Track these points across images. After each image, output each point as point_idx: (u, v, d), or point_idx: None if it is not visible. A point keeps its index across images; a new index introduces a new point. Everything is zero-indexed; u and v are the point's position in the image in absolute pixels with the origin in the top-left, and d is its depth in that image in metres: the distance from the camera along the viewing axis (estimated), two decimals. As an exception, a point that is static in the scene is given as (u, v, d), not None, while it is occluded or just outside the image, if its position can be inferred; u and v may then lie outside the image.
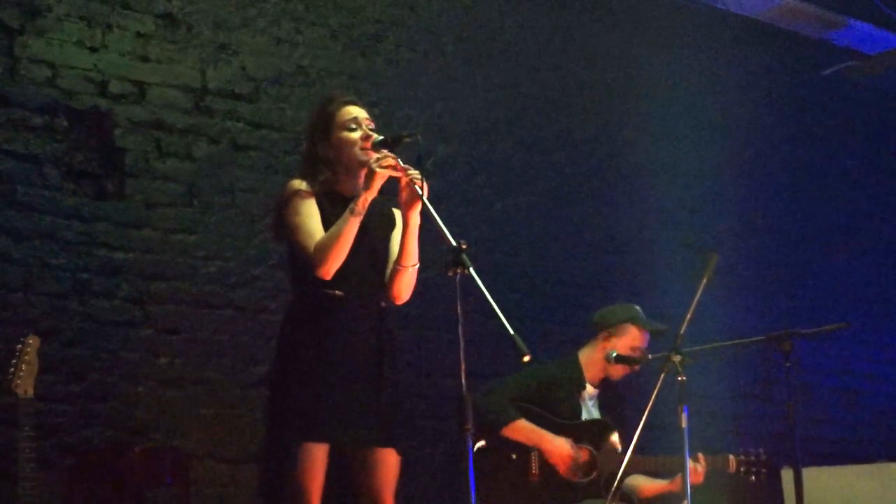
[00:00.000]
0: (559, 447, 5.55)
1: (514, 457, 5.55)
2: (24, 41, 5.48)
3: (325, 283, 4.26)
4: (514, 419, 5.53)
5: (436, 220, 3.98)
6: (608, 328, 5.79)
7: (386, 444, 4.36)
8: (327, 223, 4.29)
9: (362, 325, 4.34)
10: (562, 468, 5.53)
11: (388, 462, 4.39)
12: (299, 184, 4.36)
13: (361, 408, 4.28)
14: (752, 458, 5.75)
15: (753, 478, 5.76)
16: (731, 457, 5.76)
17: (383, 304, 4.42)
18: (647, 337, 5.81)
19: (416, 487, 6.38)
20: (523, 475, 5.56)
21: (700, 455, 5.64)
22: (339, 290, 4.28)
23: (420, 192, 4.09)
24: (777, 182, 8.67)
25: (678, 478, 5.57)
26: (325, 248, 4.21)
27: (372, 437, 4.32)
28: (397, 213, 4.47)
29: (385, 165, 4.15)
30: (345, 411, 4.25)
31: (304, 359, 4.26)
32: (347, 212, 4.20)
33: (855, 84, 9.19)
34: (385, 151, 4.19)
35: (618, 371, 5.76)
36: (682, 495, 4.93)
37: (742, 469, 5.75)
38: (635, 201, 7.76)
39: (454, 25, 7.13)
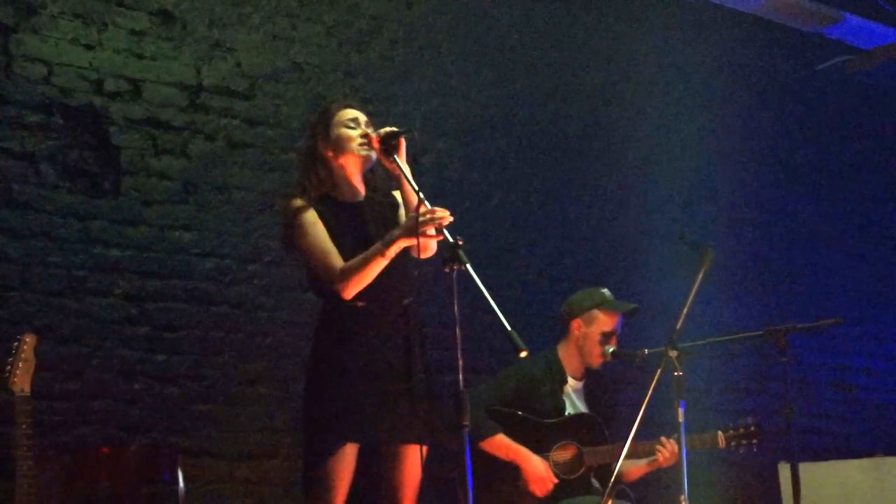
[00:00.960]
0: (534, 467, 5.51)
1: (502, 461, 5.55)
2: (19, 39, 5.48)
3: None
4: (491, 434, 5.51)
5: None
6: (577, 318, 5.77)
7: (415, 441, 4.41)
8: (331, 233, 4.38)
9: (388, 329, 4.42)
10: (535, 489, 5.51)
11: (414, 458, 4.44)
12: (298, 202, 4.44)
13: (391, 407, 4.36)
14: (741, 429, 5.69)
15: (744, 450, 5.70)
16: (720, 432, 5.70)
17: (406, 301, 4.47)
18: (619, 319, 5.78)
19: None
20: (512, 478, 5.55)
21: (662, 438, 5.59)
22: (361, 300, 4.35)
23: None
24: (773, 177, 8.67)
25: (659, 455, 5.57)
26: (347, 277, 4.30)
27: (402, 434, 4.40)
28: (397, 195, 4.54)
29: (429, 225, 4.14)
30: (376, 411, 4.34)
31: (334, 366, 4.36)
32: (377, 251, 4.27)
33: (851, 78, 9.19)
34: (433, 210, 4.17)
35: (595, 359, 5.73)
36: (677, 482, 4.92)
37: (732, 443, 5.69)
38: (631, 196, 7.76)
39: (449, 21, 7.13)
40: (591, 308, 5.77)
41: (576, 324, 5.77)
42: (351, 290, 4.31)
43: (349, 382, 4.32)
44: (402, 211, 4.55)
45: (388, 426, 4.35)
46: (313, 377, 4.44)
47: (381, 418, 4.34)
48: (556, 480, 5.52)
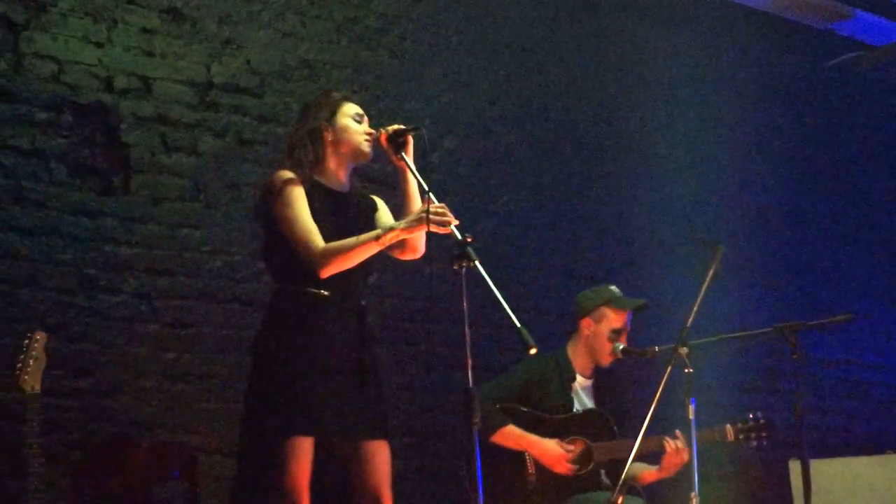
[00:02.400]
0: (548, 449, 5.51)
1: (510, 457, 5.55)
2: (30, 36, 5.48)
3: (310, 281, 4.29)
4: (501, 426, 5.51)
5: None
6: (586, 316, 5.77)
7: (375, 437, 4.38)
8: (315, 215, 4.32)
9: (345, 323, 4.37)
10: (557, 469, 5.51)
11: (380, 454, 4.41)
12: (288, 174, 4.38)
13: (346, 402, 4.30)
14: (750, 423, 5.68)
15: (755, 443, 5.70)
16: (728, 426, 5.69)
17: (364, 302, 4.45)
18: (628, 316, 5.77)
19: (420, 480, 6.39)
20: (521, 474, 5.55)
21: (677, 432, 5.58)
22: (325, 289, 4.30)
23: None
24: (783, 173, 8.66)
25: (665, 461, 5.56)
26: (333, 257, 4.25)
27: (359, 430, 4.34)
28: (377, 200, 4.54)
29: (438, 222, 4.12)
30: (329, 405, 4.26)
31: (287, 354, 4.27)
32: (373, 237, 4.23)
33: (861, 75, 9.18)
34: (444, 207, 4.15)
35: (605, 357, 5.73)
36: (688, 478, 4.91)
37: (741, 436, 5.68)
38: (641, 192, 7.75)
39: (459, 18, 7.12)
40: (599, 305, 5.76)
41: (585, 322, 5.76)
42: (330, 270, 4.25)
43: (305, 372, 4.24)
44: (380, 213, 4.57)
45: (342, 422, 4.28)
46: (265, 365, 4.33)
47: (334, 413, 4.26)
48: (572, 452, 5.51)
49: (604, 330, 5.72)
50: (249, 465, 4.34)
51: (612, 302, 5.75)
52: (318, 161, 4.46)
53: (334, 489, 4.48)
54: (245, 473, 4.38)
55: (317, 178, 4.45)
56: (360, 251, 4.25)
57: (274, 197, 4.34)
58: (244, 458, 4.38)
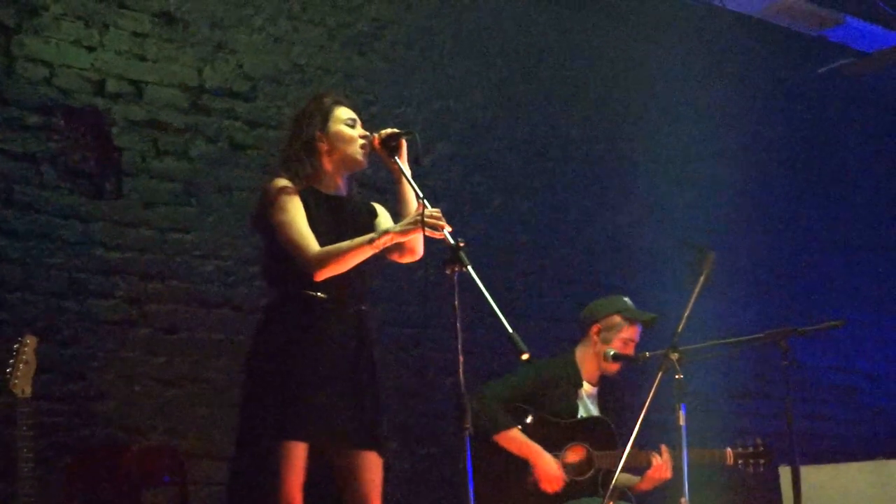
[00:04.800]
0: (547, 465, 5.52)
1: (511, 457, 5.56)
2: (21, 40, 5.47)
3: (307, 285, 4.28)
4: (506, 428, 5.52)
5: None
6: (597, 323, 5.78)
7: (368, 447, 4.37)
8: (311, 222, 4.31)
9: (343, 329, 4.35)
10: (545, 486, 5.52)
11: (372, 465, 4.39)
12: (284, 182, 4.37)
13: (341, 410, 4.28)
14: (750, 449, 5.75)
15: (752, 469, 5.76)
16: (729, 450, 5.77)
17: (364, 307, 4.44)
18: (639, 328, 5.79)
19: (412, 487, 6.38)
20: (520, 477, 5.56)
21: (663, 447, 5.62)
22: (322, 292, 4.29)
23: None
24: (774, 179, 8.67)
25: (647, 475, 5.59)
26: (327, 260, 4.24)
27: (354, 440, 4.33)
28: (377, 207, 4.54)
29: (432, 226, 4.12)
30: (325, 412, 4.24)
31: (284, 359, 4.26)
32: (367, 240, 4.23)
33: (852, 81, 9.19)
34: (436, 211, 4.15)
35: (613, 367, 5.75)
36: (678, 484, 4.93)
37: (740, 461, 5.75)
38: (632, 198, 7.76)
39: (451, 23, 7.13)
40: (612, 314, 5.78)
41: (595, 328, 5.77)
42: (325, 273, 4.24)
43: (301, 377, 4.22)
44: (380, 219, 4.56)
45: (337, 430, 4.27)
46: (260, 370, 4.32)
47: (330, 421, 4.24)
48: (566, 479, 5.53)
49: (614, 339, 5.73)
50: (243, 469, 4.32)
51: (624, 312, 5.78)
52: (316, 169, 4.46)
53: (327, 497, 4.47)
54: (238, 478, 4.36)
55: (314, 185, 4.45)
56: (354, 254, 4.24)
57: (270, 204, 4.35)
58: (238, 462, 4.36)
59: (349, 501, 4.39)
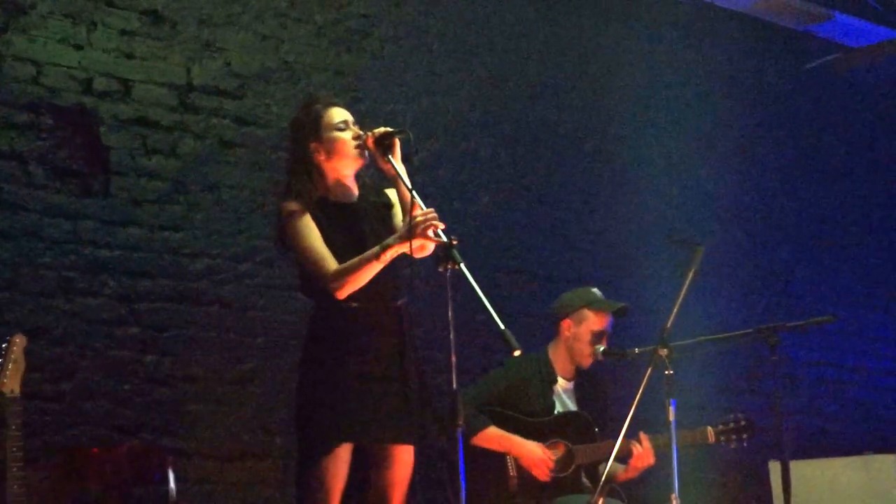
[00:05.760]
0: (531, 451, 5.52)
1: (490, 460, 5.55)
2: (8, 38, 5.46)
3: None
4: (482, 428, 5.52)
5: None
6: (566, 317, 5.77)
7: (407, 441, 4.45)
8: (325, 234, 4.37)
9: (382, 329, 4.41)
10: (536, 472, 5.52)
11: (405, 458, 4.48)
12: (292, 205, 4.42)
13: (386, 406, 4.36)
14: (731, 425, 5.73)
15: (735, 445, 5.75)
16: (709, 428, 5.74)
17: (400, 302, 4.47)
18: (609, 319, 5.78)
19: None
20: (501, 477, 5.55)
21: (641, 434, 5.61)
22: (355, 301, 4.35)
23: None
24: (762, 175, 8.68)
25: (631, 463, 5.60)
26: (343, 278, 4.31)
27: (396, 434, 4.41)
28: (390, 195, 4.54)
29: (427, 228, 4.13)
30: (369, 412, 4.33)
31: (327, 367, 4.36)
32: (374, 255, 4.27)
33: (840, 77, 9.21)
34: (430, 211, 4.17)
35: (585, 359, 5.73)
36: (654, 480, 4.94)
37: (722, 438, 5.73)
38: (622, 195, 7.76)
39: (440, 21, 7.12)
40: (580, 307, 5.76)
41: (566, 323, 5.77)
42: (345, 292, 4.32)
43: (342, 383, 4.32)
44: (396, 209, 4.57)
45: (381, 426, 4.35)
46: (306, 377, 4.44)
47: (374, 418, 4.33)
48: (554, 459, 5.52)
49: (584, 332, 5.72)
50: (297, 471, 4.49)
51: (593, 304, 5.76)
52: (319, 183, 4.48)
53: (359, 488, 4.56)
54: (295, 479, 4.55)
55: (322, 195, 4.46)
56: (366, 270, 4.30)
57: (284, 230, 4.44)
58: (296, 465, 4.53)
59: (378, 485, 4.49)
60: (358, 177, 4.57)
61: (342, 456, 4.35)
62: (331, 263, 4.32)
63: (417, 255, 4.35)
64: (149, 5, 5.90)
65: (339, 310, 4.36)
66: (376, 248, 4.28)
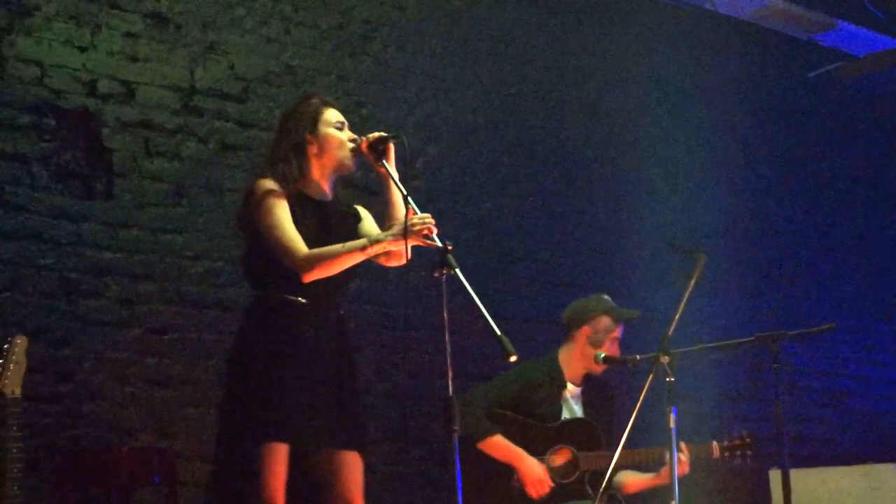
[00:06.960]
0: (529, 468, 5.52)
1: (496, 462, 5.55)
2: (12, 40, 5.47)
3: (289, 289, 4.28)
4: (490, 434, 5.51)
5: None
6: (586, 325, 5.77)
7: (349, 447, 4.36)
8: (298, 225, 4.29)
9: (323, 332, 4.34)
10: (531, 490, 5.52)
11: (354, 465, 4.38)
12: (270, 184, 4.34)
13: (323, 410, 4.28)
14: (736, 440, 5.75)
15: (738, 461, 5.77)
16: (714, 443, 5.77)
17: (342, 311, 4.44)
18: (622, 327, 5.79)
19: (402, 488, 6.39)
20: (506, 480, 5.55)
21: (682, 444, 5.61)
22: (302, 297, 4.29)
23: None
24: (765, 183, 8.69)
25: (664, 471, 5.60)
26: (317, 262, 4.22)
27: (335, 440, 4.32)
28: (360, 210, 4.53)
29: (423, 231, 4.09)
30: (306, 413, 4.24)
31: (263, 361, 4.25)
32: (359, 246, 4.21)
33: (843, 85, 9.21)
34: (426, 216, 4.13)
35: (599, 367, 5.75)
36: (668, 487, 4.94)
37: (726, 453, 5.75)
38: (624, 201, 7.77)
39: (442, 26, 7.13)
40: (601, 314, 5.77)
41: (584, 330, 5.75)
42: (314, 275, 4.21)
43: (281, 379, 4.22)
44: (364, 223, 4.53)
45: (317, 430, 4.25)
46: (244, 369, 4.30)
47: (310, 421, 4.23)
48: (552, 484, 5.53)
49: (603, 339, 5.73)
50: (225, 471, 4.32)
51: (611, 312, 5.77)
52: (303, 174, 4.44)
53: (307, 499, 4.46)
54: (221, 480, 4.37)
55: (300, 188, 4.43)
56: (345, 259, 4.23)
57: (255, 206, 4.31)
58: (220, 465, 4.37)
59: (331, 502, 4.38)
60: (335, 185, 4.54)
61: (281, 456, 4.20)
62: (302, 246, 4.22)
63: (392, 264, 4.35)
64: (153, 8, 5.91)
65: (286, 303, 4.28)
66: (363, 241, 4.22)
